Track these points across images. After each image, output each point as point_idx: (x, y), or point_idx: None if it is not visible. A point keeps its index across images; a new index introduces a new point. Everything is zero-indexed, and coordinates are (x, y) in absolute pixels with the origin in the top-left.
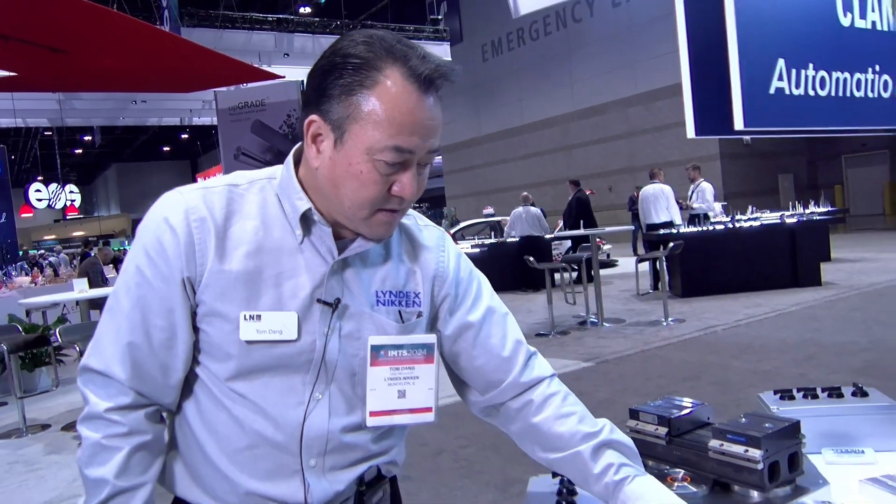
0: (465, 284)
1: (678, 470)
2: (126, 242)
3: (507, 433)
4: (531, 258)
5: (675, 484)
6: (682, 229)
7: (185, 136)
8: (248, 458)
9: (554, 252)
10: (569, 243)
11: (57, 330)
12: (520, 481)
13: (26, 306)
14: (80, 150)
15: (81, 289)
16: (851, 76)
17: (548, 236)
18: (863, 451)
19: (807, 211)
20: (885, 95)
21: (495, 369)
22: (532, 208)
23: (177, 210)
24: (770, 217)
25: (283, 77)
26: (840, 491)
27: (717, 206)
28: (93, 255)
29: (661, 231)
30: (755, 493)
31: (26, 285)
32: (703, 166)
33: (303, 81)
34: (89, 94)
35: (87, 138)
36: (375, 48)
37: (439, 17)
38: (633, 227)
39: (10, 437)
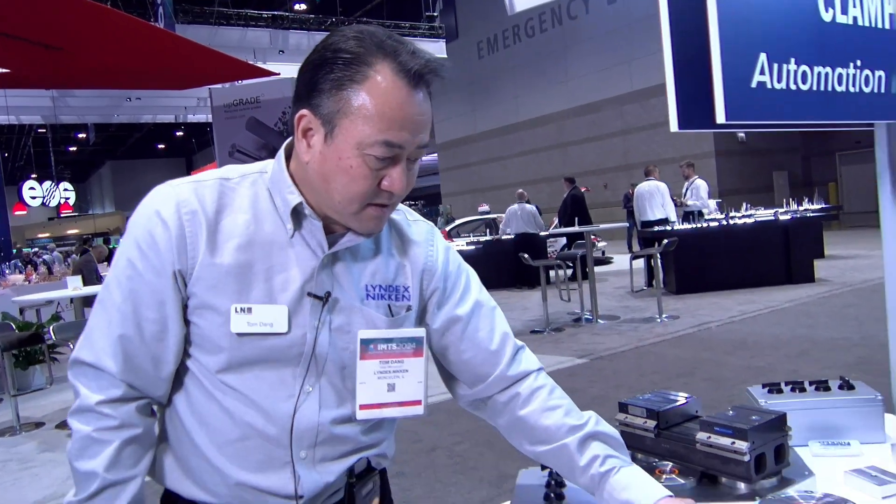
0: (454, 278)
1: (666, 462)
2: (121, 240)
3: (495, 426)
4: (526, 255)
5: (664, 476)
6: (677, 226)
7: (179, 133)
8: (238, 449)
9: (549, 249)
10: (564, 240)
11: (51, 328)
12: (513, 477)
13: (20, 304)
14: (74, 148)
15: (75, 286)
16: (833, 71)
17: (543, 233)
18: (849, 444)
19: (801, 208)
20: (867, 90)
21: (483, 362)
22: (527, 205)
23: (168, 203)
24: (764, 214)
25: (279, 74)
26: (825, 482)
27: (712, 203)
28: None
29: (656, 228)
30: (742, 485)
31: (20, 283)
32: (698, 163)
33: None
34: (83, 92)
35: (81, 136)
36: (366, 43)
37: (435, 13)
38: (627, 225)
39: (3, 435)
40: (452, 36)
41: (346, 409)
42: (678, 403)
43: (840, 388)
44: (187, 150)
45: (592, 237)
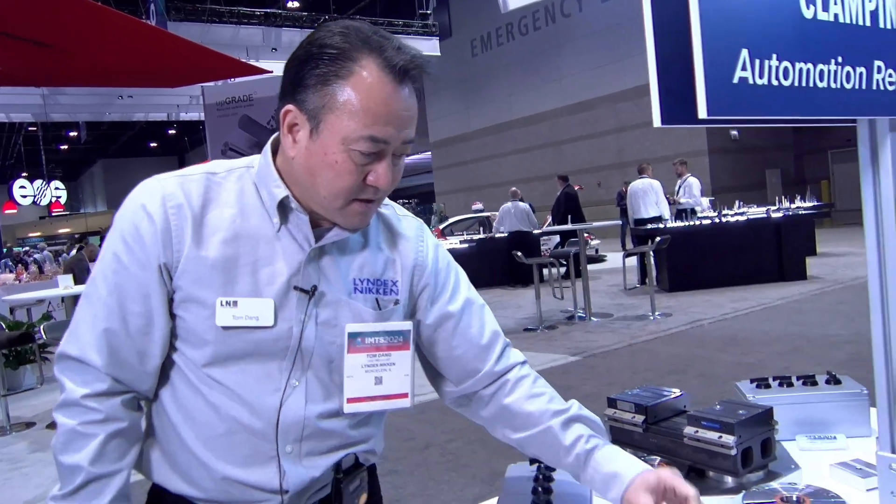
0: (444, 275)
1: (654, 457)
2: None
3: (478, 420)
4: (519, 253)
5: None
6: (670, 224)
7: (172, 131)
8: (224, 444)
9: (542, 247)
10: (557, 238)
11: (41, 327)
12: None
13: (10, 303)
14: (65, 146)
15: (66, 285)
16: (815, 67)
17: (536, 231)
18: (835, 437)
19: (793, 206)
20: (848, 86)
21: (473, 358)
22: (521, 203)
23: (154, 197)
24: (756, 212)
25: (271, 72)
26: (811, 475)
27: (705, 201)
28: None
29: (649, 226)
30: (729, 479)
31: (10, 282)
32: (691, 161)
33: None
34: (74, 89)
35: (72, 134)
36: (351, 39)
37: (428, 11)
38: (621, 223)
39: None
40: (446, 34)
41: (333, 404)
42: (666, 398)
43: (827, 382)
44: (180, 148)
45: (586, 235)
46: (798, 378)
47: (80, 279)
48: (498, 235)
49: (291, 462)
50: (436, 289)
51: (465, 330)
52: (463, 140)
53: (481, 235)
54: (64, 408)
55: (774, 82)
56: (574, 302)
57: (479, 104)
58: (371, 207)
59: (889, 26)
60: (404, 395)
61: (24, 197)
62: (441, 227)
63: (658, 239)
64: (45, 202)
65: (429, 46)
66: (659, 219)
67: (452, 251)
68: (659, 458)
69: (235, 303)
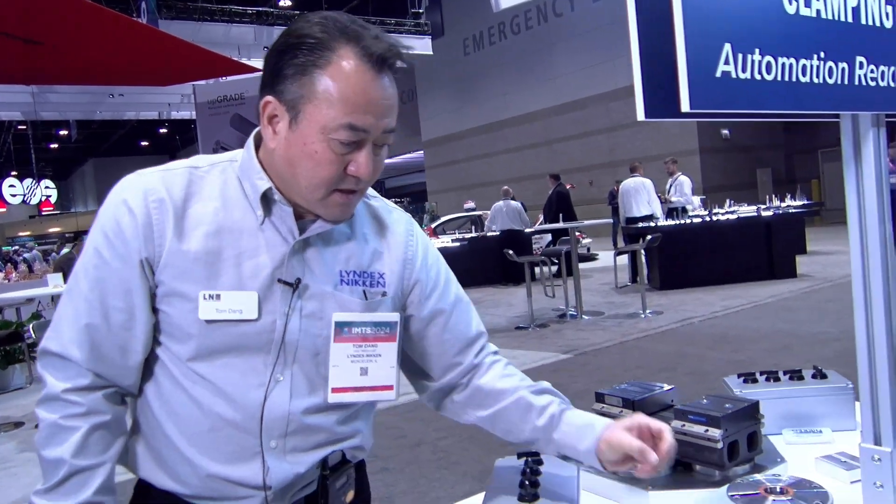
0: (435, 270)
1: None
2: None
3: (448, 409)
4: (511, 252)
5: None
6: (661, 222)
7: (163, 130)
8: (208, 440)
9: (534, 246)
10: (549, 237)
11: (31, 326)
12: None
13: (0, 303)
14: (55, 145)
15: (56, 284)
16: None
17: (528, 230)
18: (821, 431)
19: (783, 204)
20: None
21: (458, 353)
22: (512, 202)
23: (135, 191)
24: (747, 211)
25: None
26: (797, 468)
27: (696, 200)
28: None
29: (640, 224)
30: (715, 472)
31: (0, 282)
32: (682, 160)
33: None
34: (65, 88)
35: (63, 132)
36: (329, 29)
37: (421, 10)
38: (612, 221)
39: None
40: (438, 33)
41: (319, 398)
42: (653, 393)
43: (813, 377)
44: (171, 147)
45: (577, 234)
46: (785, 373)
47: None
48: (490, 234)
49: (276, 458)
50: (427, 284)
51: (455, 326)
52: (455, 139)
53: (473, 234)
54: (45, 402)
55: (757, 76)
56: (565, 300)
57: (471, 103)
58: (352, 199)
59: (870, 23)
60: (389, 388)
61: (14, 196)
62: (433, 225)
63: (649, 237)
64: (34, 201)
65: (421, 45)
66: (651, 217)
67: (444, 250)
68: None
69: (218, 296)
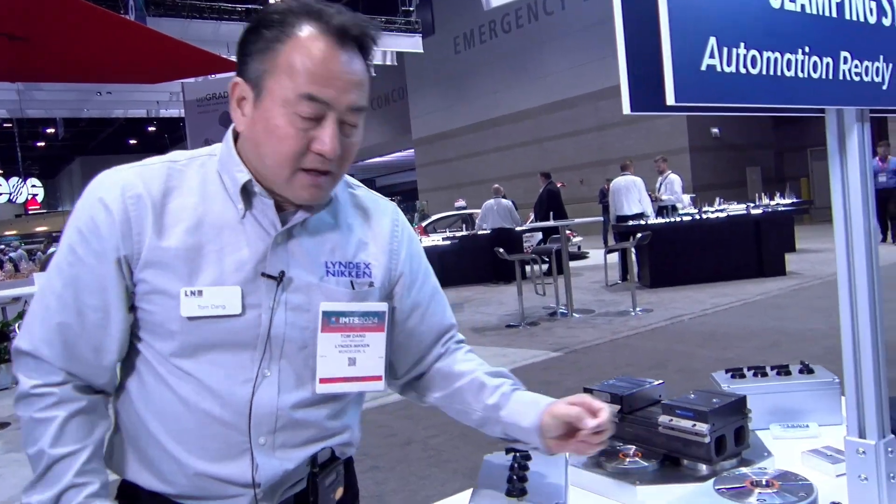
0: (417, 261)
1: (630, 446)
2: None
3: (409, 393)
4: (501, 250)
5: (627, 460)
6: (651, 221)
7: (152, 128)
8: (196, 438)
9: (525, 244)
10: (540, 235)
11: (17, 325)
12: None
13: None
14: (42, 143)
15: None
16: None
17: (519, 228)
18: (807, 426)
19: (772, 203)
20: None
21: (432, 342)
22: (503, 200)
23: (112, 188)
24: (737, 209)
25: None
26: (784, 462)
27: (686, 198)
28: None
29: (630, 222)
30: (703, 467)
31: None
32: (672, 159)
33: None
34: (51, 85)
35: (49, 130)
36: (293, 6)
37: (411, 8)
38: (602, 219)
39: None
40: (429, 31)
41: (308, 393)
42: (642, 388)
43: (800, 372)
44: (160, 145)
45: (568, 232)
46: (772, 368)
47: None
48: (481, 232)
49: (265, 454)
50: (411, 275)
51: (430, 318)
52: (446, 137)
53: (464, 232)
54: (19, 402)
55: (742, 70)
56: (556, 298)
57: (462, 102)
58: (322, 181)
59: (855, 18)
60: (378, 378)
61: (0, 194)
62: (424, 224)
63: (639, 235)
64: (21, 200)
65: (412, 43)
66: (642, 215)
67: (435, 248)
68: (634, 448)
69: (200, 292)
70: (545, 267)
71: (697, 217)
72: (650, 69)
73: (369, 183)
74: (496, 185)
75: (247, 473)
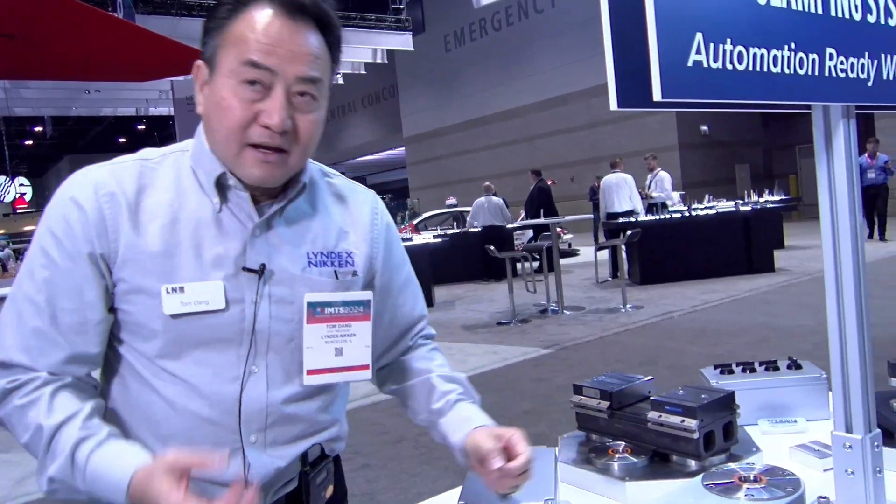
0: (395, 250)
1: (619, 442)
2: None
3: (373, 380)
4: (492, 247)
5: (617, 456)
6: (641, 218)
7: (141, 126)
8: (185, 440)
9: (516, 242)
10: (530, 233)
11: None
12: None
13: None
14: (30, 142)
15: None
16: (769, 52)
17: (509, 226)
18: (795, 421)
19: (761, 199)
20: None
21: (401, 335)
22: (494, 198)
23: (84, 187)
24: (726, 206)
25: None
26: (772, 457)
27: (675, 195)
28: None
29: (620, 219)
30: (692, 462)
31: None
32: (662, 156)
33: None
34: (39, 83)
35: (37, 129)
36: None
37: (401, 6)
38: (593, 217)
39: None
40: (419, 29)
41: (297, 386)
42: (631, 384)
43: (788, 367)
44: (149, 143)
45: (558, 229)
46: (760, 364)
47: None
48: (471, 230)
49: (256, 452)
50: (388, 265)
51: (402, 307)
52: (436, 135)
53: (455, 230)
54: (1, 403)
55: (728, 66)
56: (547, 295)
57: (452, 100)
58: (272, 158)
59: (840, 14)
60: (365, 367)
61: None
62: (415, 222)
63: (629, 233)
64: (8, 199)
65: (402, 41)
66: (632, 213)
67: (426, 246)
68: (624, 444)
69: (182, 289)
70: (536, 264)
71: (687, 214)
72: (637, 65)
73: (360, 181)
74: (487, 183)
75: (239, 473)
